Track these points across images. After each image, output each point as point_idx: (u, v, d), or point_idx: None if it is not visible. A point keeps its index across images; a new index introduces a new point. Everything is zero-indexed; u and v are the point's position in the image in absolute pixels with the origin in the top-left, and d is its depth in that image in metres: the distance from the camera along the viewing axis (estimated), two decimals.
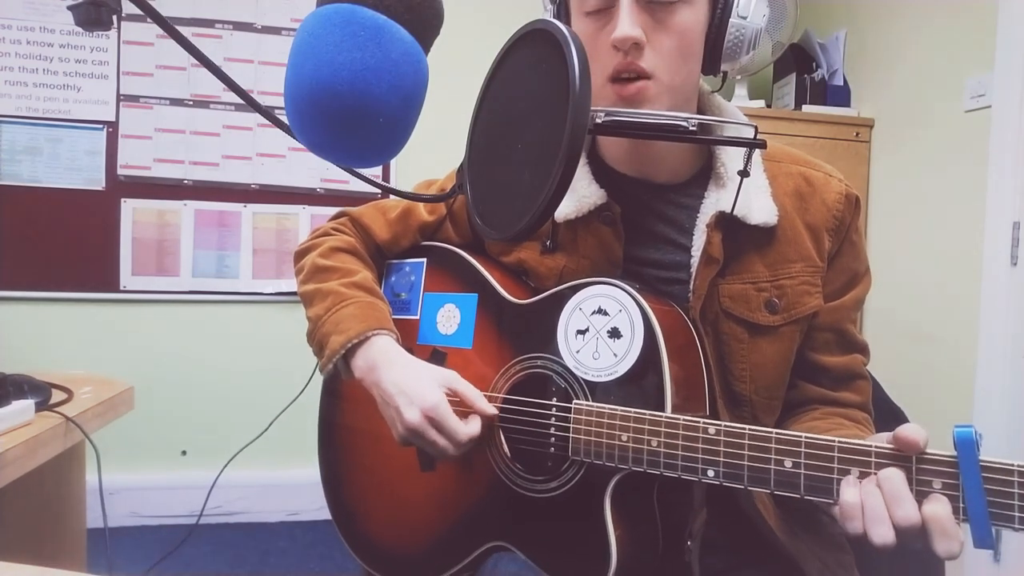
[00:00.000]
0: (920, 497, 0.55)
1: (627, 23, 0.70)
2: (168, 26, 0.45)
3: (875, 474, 0.57)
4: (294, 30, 2.00)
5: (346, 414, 0.94)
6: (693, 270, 0.78)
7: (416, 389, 0.76)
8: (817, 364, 0.82)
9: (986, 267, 1.81)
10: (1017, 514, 0.52)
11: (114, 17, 0.46)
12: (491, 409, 0.77)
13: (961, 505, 0.54)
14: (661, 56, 0.72)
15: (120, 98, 2.25)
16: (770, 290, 0.78)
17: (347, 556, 0.92)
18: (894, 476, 0.56)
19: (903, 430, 0.56)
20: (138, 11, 0.45)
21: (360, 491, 0.92)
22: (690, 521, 0.75)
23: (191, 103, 2.30)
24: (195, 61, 0.73)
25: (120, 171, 2.25)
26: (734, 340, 0.78)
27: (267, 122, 1.61)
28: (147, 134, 2.27)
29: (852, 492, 0.57)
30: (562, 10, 0.78)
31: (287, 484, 2.35)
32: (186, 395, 2.34)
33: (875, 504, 0.56)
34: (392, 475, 0.88)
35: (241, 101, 1.24)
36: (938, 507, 0.54)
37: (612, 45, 0.71)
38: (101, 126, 2.24)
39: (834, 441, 0.59)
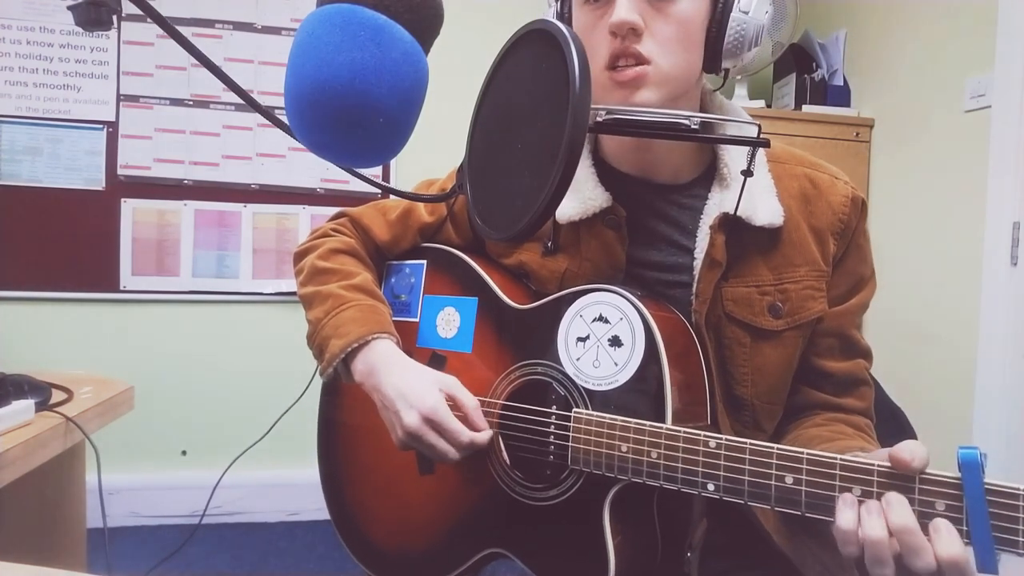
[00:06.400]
0: (923, 519, 0.53)
1: (624, 8, 0.70)
2: (168, 26, 0.45)
3: (877, 499, 0.55)
4: (294, 30, 1.99)
5: (346, 415, 0.94)
6: (696, 273, 0.78)
7: (415, 392, 0.75)
8: (820, 369, 0.81)
9: (986, 267, 1.80)
10: (1022, 539, 0.51)
11: (114, 17, 0.45)
12: (484, 424, 0.76)
13: (964, 528, 0.52)
14: (659, 43, 0.71)
15: (120, 98, 2.25)
16: (774, 294, 0.77)
17: (347, 557, 0.92)
18: (908, 522, 0.53)
19: (898, 451, 0.54)
20: (138, 11, 0.45)
21: (360, 493, 0.92)
22: (690, 532, 0.75)
23: (191, 103, 2.30)
24: (195, 61, 0.73)
25: (120, 171, 2.25)
26: (736, 344, 0.78)
27: (267, 122, 1.61)
28: (147, 134, 2.27)
29: (848, 516, 0.55)
30: (565, 1, 0.78)
31: (287, 484, 2.35)
32: (186, 395, 2.34)
33: (879, 537, 0.53)
34: (392, 477, 0.88)
35: (241, 101, 1.24)
36: (955, 550, 0.51)
37: (609, 31, 0.71)
38: (101, 126, 2.24)
39: (836, 458, 0.57)
